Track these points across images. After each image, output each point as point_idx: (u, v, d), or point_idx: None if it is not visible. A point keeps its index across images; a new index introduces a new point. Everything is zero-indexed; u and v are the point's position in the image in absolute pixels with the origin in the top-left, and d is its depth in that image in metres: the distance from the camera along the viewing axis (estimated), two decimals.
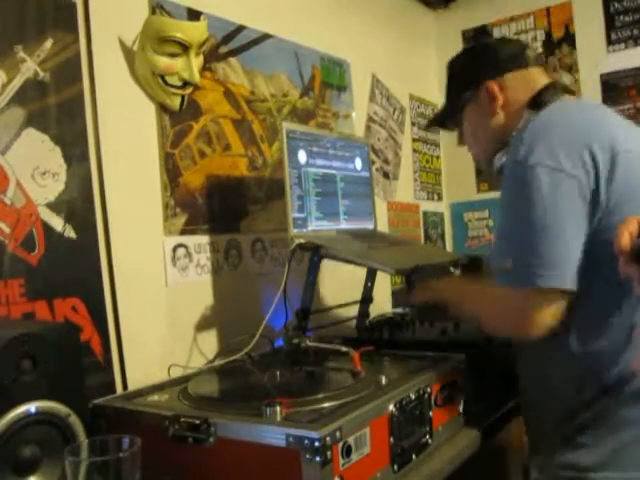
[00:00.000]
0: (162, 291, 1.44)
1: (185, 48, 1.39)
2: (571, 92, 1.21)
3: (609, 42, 2.37)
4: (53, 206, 1.22)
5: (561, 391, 1.08)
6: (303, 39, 1.95)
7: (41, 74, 1.22)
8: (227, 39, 1.67)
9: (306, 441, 0.80)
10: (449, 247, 2.78)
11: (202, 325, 1.52)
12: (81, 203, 1.28)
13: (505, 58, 1.24)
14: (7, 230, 1.14)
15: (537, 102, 1.16)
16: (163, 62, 1.37)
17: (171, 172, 1.49)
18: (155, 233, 1.44)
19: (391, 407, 0.97)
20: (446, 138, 2.81)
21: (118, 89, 1.38)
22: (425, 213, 2.63)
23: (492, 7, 2.60)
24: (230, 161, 1.65)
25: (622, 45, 2.36)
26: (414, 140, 2.61)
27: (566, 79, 2.37)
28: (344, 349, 1.20)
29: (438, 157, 2.79)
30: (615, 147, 1.01)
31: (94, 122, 1.32)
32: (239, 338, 1.40)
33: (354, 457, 0.86)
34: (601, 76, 2.36)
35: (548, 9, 2.49)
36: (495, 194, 2.78)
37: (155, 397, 1.11)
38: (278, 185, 1.64)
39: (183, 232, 1.50)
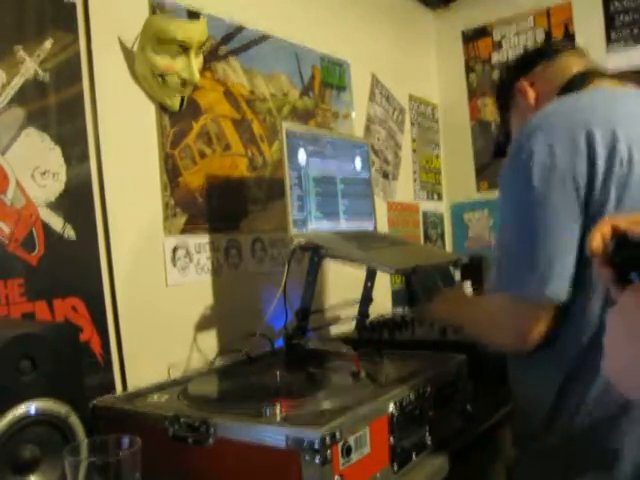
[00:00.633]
0: (162, 291, 1.44)
1: (185, 48, 1.39)
2: (604, 75, 1.14)
3: (609, 41, 2.37)
4: (53, 206, 1.22)
5: (542, 400, 1.03)
6: (303, 39, 1.95)
7: (41, 74, 1.22)
8: (227, 39, 1.67)
9: (306, 441, 0.80)
10: (449, 247, 2.78)
11: (202, 325, 1.53)
12: (81, 203, 1.28)
13: (531, 54, 1.25)
14: (7, 230, 1.14)
15: (565, 90, 1.13)
16: (163, 62, 1.37)
17: (171, 172, 1.49)
18: (155, 233, 1.44)
19: (391, 407, 0.97)
20: (446, 138, 2.81)
21: (118, 89, 1.38)
22: (425, 213, 2.63)
23: (492, 7, 2.60)
24: (230, 161, 1.65)
25: (622, 44, 2.36)
26: (414, 140, 2.61)
27: None
28: (344, 349, 1.20)
29: (438, 157, 2.79)
30: (630, 144, 0.95)
31: (94, 122, 1.32)
32: (239, 338, 1.40)
33: (354, 457, 0.86)
34: None
35: (548, 9, 2.49)
36: (495, 194, 2.77)
37: (155, 397, 1.10)
38: (278, 185, 1.64)
39: (183, 232, 1.50)
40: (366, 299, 1.68)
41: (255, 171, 1.72)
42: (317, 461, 0.79)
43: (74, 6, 1.29)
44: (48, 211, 1.21)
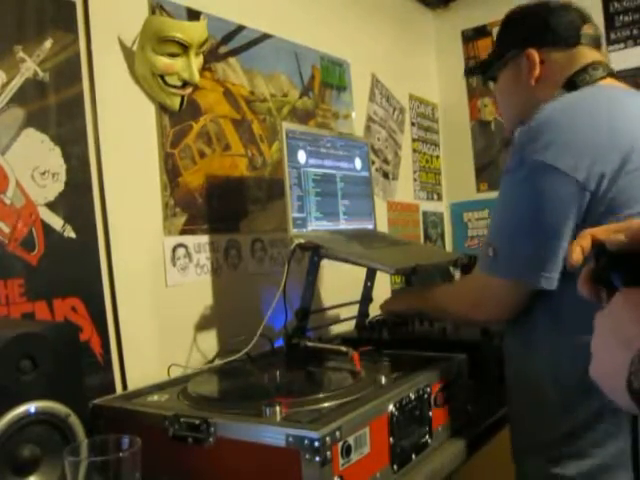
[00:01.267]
0: (162, 291, 1.44)
1: (185, 48, 1.39)
2: (614, 75, 1.14)
3: (609, 42, 2.37)
4: (53, 206, 1.22)
5: (540, 388, 1.06)
6: (303, 39, 1.95)
7: (41, 74, 1.22)
8: (227, 39, 1.67)
9: (306, 441, 0.80)
10: (449, 247, 2.78)
11: (202, 325, 1.53)
12: (81, 203, 1.28)
13: (556, 30, 1.15)
14: (7, 230, 1.14)
15: (571, 82, 1.11)
16: (163, 62, 1.37)
17: (171, 172, 1.49)
18: (155, 233, 1.44)
19: (391, 407, 0.97)
20: (446, 138, 2.81)
21: (118, 89, 1.38)
22: (425, 213, 2.63)
23: (492, 7, 2.60)
24: (230, 161, 1.65)
25: (622, 45, 2.36)
26: (414, 140, 2.61)
27: None
28: (344, 349, 1.20)
29: (438, 157, 2.79)
30: (632, 146, 0.96)
31: (94, 122, 1.32)
32: (239, 338, 1.40)
33: (354, 457, 0.86)
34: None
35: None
36: (495, 194, 2.77)
37: (155, 397, 1.11)
38: (278, 185, 1.64)
39: (183, 232, 1.50)
40: (366, 299, 1.68)
41: (255, 171, 1.72)
42: (317, 461, 0.79)
43: (74, 6, 1.29)
44: (48, 211, 1.21)
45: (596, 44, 1.17)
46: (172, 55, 1.38)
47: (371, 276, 1.68)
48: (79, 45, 1.30)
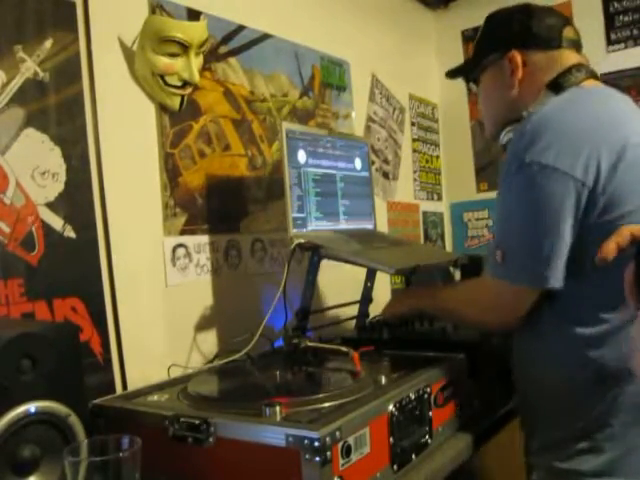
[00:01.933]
0: (162, 291, 1.44)
1: (185, 48, 1.39)
2: (596, 78, 1.17)
3: (609, 42, 2.37)
4: (53, 206, 1.22)
5: (551, 382, 1.07)
6: (303, 39, 1.95)
7: (41, 74, 1.22)
8: (227, 39, 1.67)
9: (306, 441, 0.80)
10: (449, 247, 2.78)
11: (202, 325, 1.52)
12: (81, 203, 1.28)
13: (539, 33, 1.17)
14: (7, 230, 1.14)
15: (556, 84, 1.12)
16: (163, 62, 1.37)
17: (171, 172, 1.49)
18: (155, 233, 1.44)
19: (391, 407, 0.97)
20: (446, 138, 2.81)
21: (118, 89, 1.38)
22: (425, 213, 2.63)
23: (492, 7, 2.58)
24: (230, 161, 1.65)
25: (622, 45, 2.36)
26: (414, 140, 2.61)
27: None
28: (344, 349, 1.20)
29: (438, 157, 2.79)
30: (625, 143, 0.99)
31: (94, 122, 1.32)
32: (239, 338, 1.40)
33: (354, 457, 0.86)
34: (601, 76, 2.35)
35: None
36: (495, 194, 2.78)
37: (155, 397, 1.10)
38: (278, 185, 1.64)
39: (183, 232, 1.50)
40: (366, 299, 1.68)
41: (255, 171, 1.72)
42: (317, 461, 0.79)
43: (74, 6, 1.29)
44: (48, 211, 1.21)
45: (577, 47, 1.19)
46: (172, 55, 1.38)
47: (371, 276, 1.68)
48: (79, 45, 1.30)
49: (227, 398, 1.10)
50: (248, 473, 0.87)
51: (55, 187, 1.23)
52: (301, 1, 1.98)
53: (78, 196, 1.27)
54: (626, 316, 0.92)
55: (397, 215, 2.41)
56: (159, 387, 1.18)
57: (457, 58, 2.71)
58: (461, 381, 1.19)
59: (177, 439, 0.92)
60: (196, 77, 1.43)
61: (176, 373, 1.34)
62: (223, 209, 1.61)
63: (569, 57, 1.16)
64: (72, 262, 1.24)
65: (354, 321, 1.68)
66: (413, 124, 2.61)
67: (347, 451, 0.85)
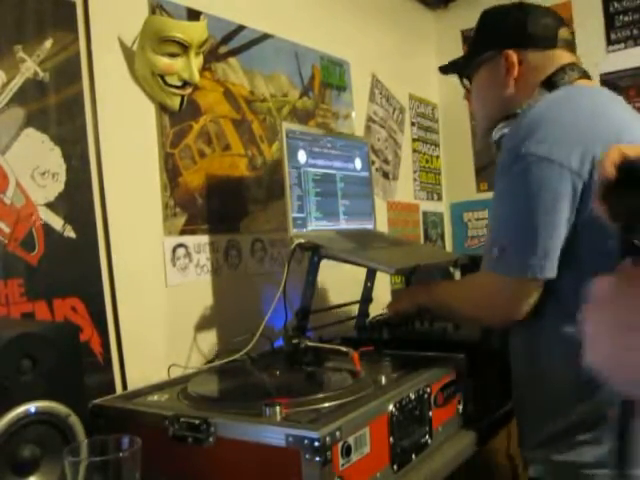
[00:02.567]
0: (162, 291, 1.44)
1: (185, 48, 1.39)
2: (588, 77, 1.19)
3: (609, 42, 2.37)
4: (53, 206, 1.22)
5: (551, 375, 1.07)
6: (303, 39, 1.95)
7: (41, 74, 1.22)
8: (227, 39, 1.67)
9: (306, 441, 0.80)
10: (449, 247, 2.78)
11: (202, 325, 1.52)
12: (81, 203, 1.28)
13: (535, 33, 1.18)
14: (7, 230, 1.14)
15: (550, 82, 1.14)
16: (163, 62, 1.37)
17: (171, 172, 1.49)
18: (155, 233, 1.44)
19: (391, 407, 0.97)
20: (446, 138, 2.81)
21: (118, 89, 1.38)
22: (425, 213, 2.63)
23: None
24: (230, 161, 1.65)
25: (622, 45, 2.36)
26: (414, 140, 2.61)
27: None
28: (344, 349, 1.20)
29: (438, 157, 2.79)
30: (618, 139, 1.00)
31: (94, 122, 1.32)
32: (239, 338, 1.40)
33: (354, 457, 0.86)
34: (600, 76, 2.36)
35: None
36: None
37: (155, 397, 1.11)
38: (278, 185, 1.64)
39: (183, 232, 1.50)
40: (366, 299, 1.68)
41: (255, 171, 1.72)
42: (317, 461, 0.79)
43: (74, 6, 1.29)
44: (48, 211, 1.21)
45: (571, 47, 1.21)
46: (172, 55, 1.38)
47: (371, 276, 1.68)
48: (79, 45, 1.30)
49: (227, 398, 1.10)
50: (248, 473, 0.87)
51: (55, 187, 1.23)
52: (301, 1, 1.98)
53: (78, 196, 1.27)
54: None
55: (397, 215, 2.41)
56: (159, 387, 1.18)
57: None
58: (461, 381, 1.19)
59: (177, 439, 0.92)
60: (196, 77, 1.43)
61: (176, 373, 1.34)
62: (223, 209, 1.61)
63: (563, 56, 1.18)
64: (72, 262, 1.24)
65: (354, 321, 1.68)
66: (413, 124, 2.61)
67: (347, 451, 0.85)
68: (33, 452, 0.87)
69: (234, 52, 1.70)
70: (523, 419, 1.18)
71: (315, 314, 1.47)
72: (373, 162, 2.22)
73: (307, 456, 0.80)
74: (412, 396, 1.03)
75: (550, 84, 1.14)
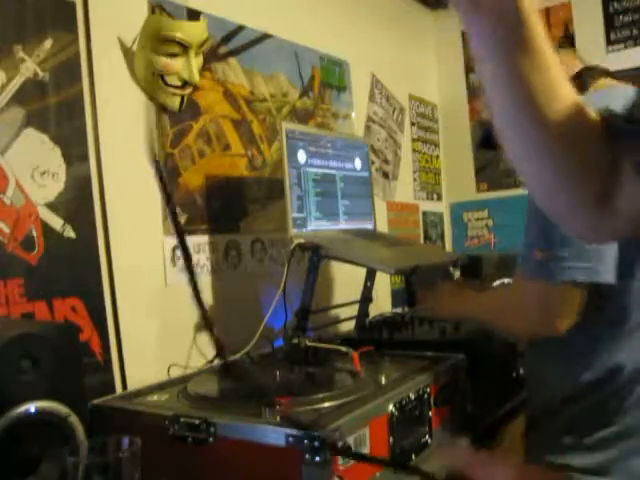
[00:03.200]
0: (162, 291, 1.44)
1: (185, 48, 1.38)
2: (611, 75, 1.16)
3: (608, 42, 2.37)
4: (52, 206, 1.22)
5: (559, 379, 1.07)
6: (303, 39, 1.95)
7: (41, 74, 1.22)
8: (227, 39, 1.67)
9: (306, 441, 0.80)
10: (449, 247, 2.78)
11: (202, 325, 1.52)
12: (80, 203, 1.28)
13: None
14: (6, 230, 1.14)
15: (580, 80, 1.11)
16: (163, 62, 1.37)
17: (171, 172, 1.49)
18: (155, 233, 1.44)
19: (391, 407, 0.97)
20: (446, 138, 2.81)
21: (118, 89, 1.38)
22: (425, 213, 2.63)
23: None
24: (229, 161, 1.65)
25: (621, 45, 2.36)
26: (414, 140, 2.61)
27: None
28: (344, 349, 1.20)
29: (438, 157, 2.79)
30: None
31: (94, 122, 1.32)
32: (239, 338, 1.40)
33: None
34: None
35: (547, 9, 2.49)
36: (494, 194, 2.80)
37: (155, 397, 1.10)
38: (277, 185, 1.64)
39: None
40: (366, 299, 1.68)
41: (255, 171, 1.72)
42: (317, 461, 0.79)
43: (73, 6, 1.29)
44: (48, 211, 1.21)
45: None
46: (172, 55, 1.38)
47: (371, 276, 1.68)
48: (79, 45, 1.30)
49: (227, 398, 1.10)
50: (248, 473, 0.87)
51: (55, 187, 1.23)
52: (301, 1, 1.98)
53: (78, 196, 1.27)
54: None
55: (397, 215, 2.41)
56: (159, 387, 1.18)
57: (457, 58, 2.72)
58: (461, 381, 1.19)
59: (177, 439, 0.92)
60: (196, 77, 1.42)
61: (176, 373, 1.34)
62: (223, 209, 1.61)
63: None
64: (72, 262, 1.24)
65: (354, 321, 1.68)
66: (413, 124, 2.61)
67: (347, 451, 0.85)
68: (33, 452, 0.87)
69: (234, 52, 1.70)
70: (535, 425, 1.16)
71: (315, 314, 1.47)
72: (373, 162, 2.22)
73: (307, 456, 0.80)
74: (412, 396, 1.03)
75: (580, 83, 1.10)
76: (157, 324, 1.41)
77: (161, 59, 1.37)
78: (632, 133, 0.63)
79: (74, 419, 0.90)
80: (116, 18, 1.38)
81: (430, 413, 1.08)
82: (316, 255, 1.38)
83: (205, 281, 1.55)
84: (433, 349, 1.28)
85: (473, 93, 2.70)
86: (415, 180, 2.60)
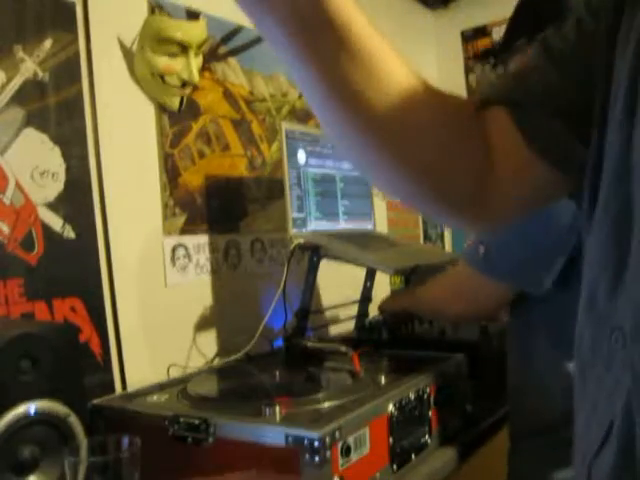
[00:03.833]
0: (161, 291, 1.44)
1: (184, 48, 1.39)
2: None
3: None
4: (52, 206, 1.22)
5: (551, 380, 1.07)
6: None
7: (40, 74, 1.22)
8: (226, 39, 1.67)
9: (306, 441, 0.80)
10: (449, 247, 2.78)
11: (202, 325, 1.52)
12: (80, 203, 1.28)
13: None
14: (6, 230, 1.14)
15: None
16: (162, 62, 1.37)
17: (170, 172, 1.49)
18: (154, 233, 1.44)
19: (390, 407, 0.97)
20: None
21: (117, 89, 1.38)
22: None
23: (492, 7, 2.60)
24: (229, 161, 1.65)
25: None
26: None
27: None
28: (343, 349, 1.20)
29: None
30: None
31: (93, 122, 1.32)
32: (239, 338, 1.40)
33: (353, 457, 0.86)
34: None
35: None
36: None
37: (154, 397, 1.10)
38: (277, 185, 1.64)
39: (182, 232, 1.50)
40: (366, 299, 1.68)
41: (254, 171, 1.72)
42: (317, 461, 0.79)
43: (73, 6, 1.29)
44: (47, 211, 1.21)
45: None
46: (172, 55, 1.38)
47: (371, 276, 1.68)
48: (79, 45, 1.30)
49: (227, 398, 1.10)
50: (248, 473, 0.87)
51: (55, 187, 1.23)
52: None
53: (78, 196, 1.27)
54: None
55: (397, 215, 2.41)
56: (159, 387, 1.18)
57: (457, 58, 2.72)
58: (461, 381, 1.19)
59: (177, 439, 0.92)
60: (195, 77, 1.43)
61: (176, 373, 1.34)
62: (223, 209, 1.61)
63: None
64: (72, 262, 1.24)
65: (354, 321, 1.68)
66: None
67: (347, 451, 0.85)
68: (33, 452, 0.86)
69: (234, 52, 1.70)
70: (517, 428, 1.18)
71: (315, 314, 1.47)
72: None
73: (307, 456, 0.80)
74: (412, 396, 1.03)
75: None
76: (157, 324, 1.41)
77: (161, 59, 1.37)
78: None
79: (74, 419, 0.90)
80: (116, 18, 1.38)
81: (430, 413, 1.08)
82: (316, 255, 1.38)
83: (205, 281, 1.55)
84: (433, 349, 1.28)
85: (473, 93, 2.70)
86: None
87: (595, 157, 0.51)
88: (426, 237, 2.63)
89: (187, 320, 1.50)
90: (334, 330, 1.72)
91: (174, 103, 1.45)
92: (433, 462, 1.05)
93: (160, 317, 1.42)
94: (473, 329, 1.44)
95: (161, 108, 1.47)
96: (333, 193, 1.57)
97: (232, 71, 1.69)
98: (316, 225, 1.48)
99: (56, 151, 1.24)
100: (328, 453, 0.80)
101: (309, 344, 1.30)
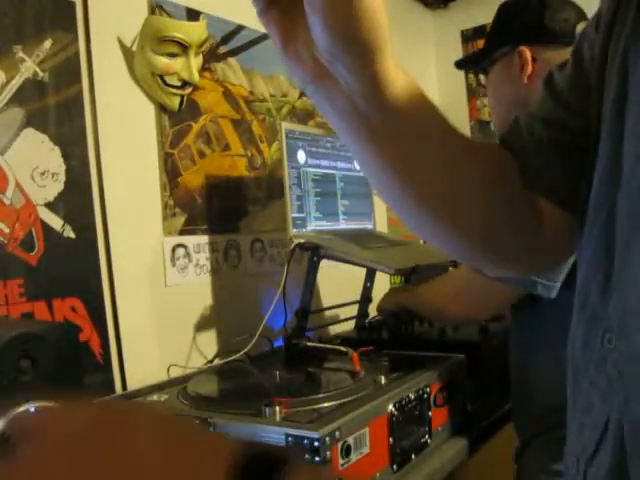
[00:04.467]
0: (161, 291, 1.44)
1: (184, 48, 1.39)
2: None
3: None
4: (52, 206, 1.22)
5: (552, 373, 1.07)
6: None
7: (40, 74, 1.22)
8: (226, 39, 1.67)
9: (306, 441, 0.80)
10: None
11: (201, 325, 1.52)
12: (80, 203, 1.28)
13: (552, 28, 1.12)
14: (6, 230, 1.14)
15: None
16: (162, 62, 1.37)
17: (170, 172, 1.49)
18: (154, 233, 1.44)
19: (390, 407, 0.97)
20: None
21: (117, 89, 1.38)
22: None
23: (492, 7, 2.57)
24: (229, 161, 1.65)
25: None
26: None
27: None
28: (343, 349, 1.20)
29: None
30: None
31: (93, 122, 1.32)
32: (238, 338, 1.40)
33: (353, 457, 0.86)
34: None
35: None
36: None
37: (154, 397, 1.10)
38: (277, 185, 1.64)
39: (182, 232, 1.50)
40: (366, 299, 1.68)
41: (254, 171, 1.72)
42: (317, 461, 0.79)
43: (73, 6, 1.29)
44: (47, 211, 1.21)
45: None
46: (171, 55, 1.38)
47: (371, 276, 1.68)
48: (78, 45, 1.30)
49: (227, 398, 1.10)
50: None
51: (55, 187, 1.23)
52: None
53: (78, 196, 1.27)
54: None
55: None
56: (159, 387, 1.18)
57: (456, 58, 2.70)
58: (461, 381, 1.19)
59: None
60: (195, 77, 1.43)
61: (176, 373, 1.34)
62: (223, 209, 1.61)
63: None
64: (72, 262, 1.24)
65: (354, 321, 1.68)
66: None
67: (347, 451, 0.85)
68: None
69: (234, 52, 1.70)
70: (516, 425, 1.18)
71: (315, 314, 1.47)
72: None
73: (307, 456, 0.80)
74: (412, 396, 1.03)
75: None
76: (157, 324, 1.41)
77: (161, 59, 1.37)
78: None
79: None
80: (116, 18, 1.38)
81: (430, 413, 1.08)
82: (316, 255, 1.38)
83: (205, 281, 1.55)
84: (433, 349, 1.28)
85: (473, 93, 2.70)
86: None
87: (590, 168, 0.53)
88: None
89: (187, 320, 1.50)
90: (334, 330, 1.72)
91: (174, 103, 1.45)
92: (433, 462, 1.05)
93: (160, 317, 1.42)
94: (473, 329, 1.44)
95: (161, 108, 1.47)
96: (333, 193, 1.57)
97: (232, 71, 1.69)
98: (316, 225, 1.48)
99: (56, 151, 1.24)
100: (328, 453, 0.80)
101: (309, 344, 1.30)
